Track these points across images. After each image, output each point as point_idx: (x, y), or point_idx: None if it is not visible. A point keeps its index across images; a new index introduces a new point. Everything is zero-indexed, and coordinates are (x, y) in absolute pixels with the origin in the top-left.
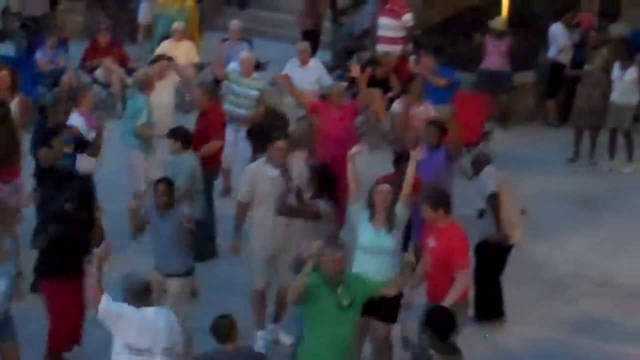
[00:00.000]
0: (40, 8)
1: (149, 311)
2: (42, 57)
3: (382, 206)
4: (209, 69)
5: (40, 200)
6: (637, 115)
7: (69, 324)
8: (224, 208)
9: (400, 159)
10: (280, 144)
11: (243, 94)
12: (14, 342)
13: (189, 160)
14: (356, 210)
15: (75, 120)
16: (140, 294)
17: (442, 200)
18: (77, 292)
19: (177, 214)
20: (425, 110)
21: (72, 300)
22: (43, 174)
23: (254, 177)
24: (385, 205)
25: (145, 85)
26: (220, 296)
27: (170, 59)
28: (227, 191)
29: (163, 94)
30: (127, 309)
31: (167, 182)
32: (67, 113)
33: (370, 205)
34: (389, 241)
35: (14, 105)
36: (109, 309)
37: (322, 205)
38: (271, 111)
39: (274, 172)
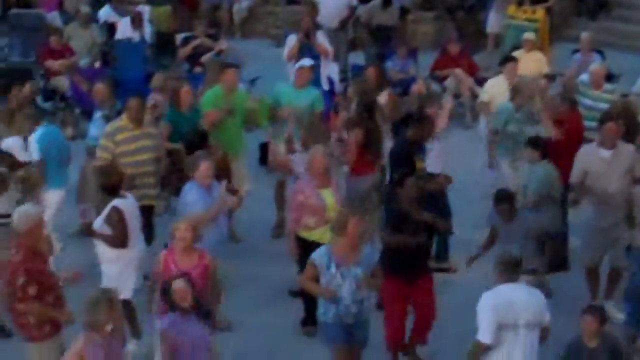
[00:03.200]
0: (391, 18)
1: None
2: (392, 67)
3: None
4: (560, 80)
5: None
6: None
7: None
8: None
9: None
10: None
11: (594, 107)
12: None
13: (545, 169)
14: None
15: None
16: (512, 267)
17: None
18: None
19: (522, 219)
20: None
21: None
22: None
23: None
24: None
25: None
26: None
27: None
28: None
29: None
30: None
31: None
32: (430, 129)
33: None
34: None
35: (383, 99)
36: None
37: None
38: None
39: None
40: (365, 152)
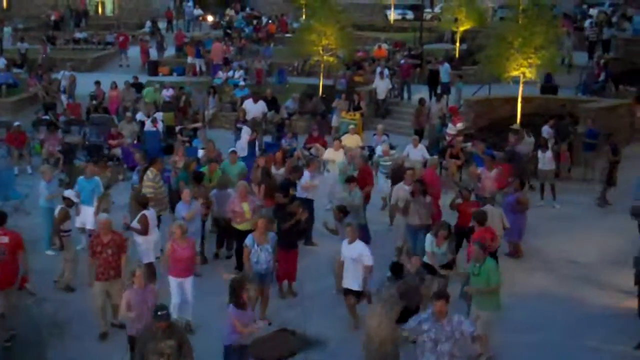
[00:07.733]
0: (281, 117)
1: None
2: (284, 143)
3: None
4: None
5: None
6: None
7: None
8: None
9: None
10: None
11: (384, 165)
12: None
13: (358, 192)
14: None
15: None
16: None
17: None
18: None
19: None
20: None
21: (285, 259)
22: None
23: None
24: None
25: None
26: None
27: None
28: None
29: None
30: None
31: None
32: (298, 175)
33: None
34: None
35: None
36: None
37: None
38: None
39: None
40: (267, 195)
